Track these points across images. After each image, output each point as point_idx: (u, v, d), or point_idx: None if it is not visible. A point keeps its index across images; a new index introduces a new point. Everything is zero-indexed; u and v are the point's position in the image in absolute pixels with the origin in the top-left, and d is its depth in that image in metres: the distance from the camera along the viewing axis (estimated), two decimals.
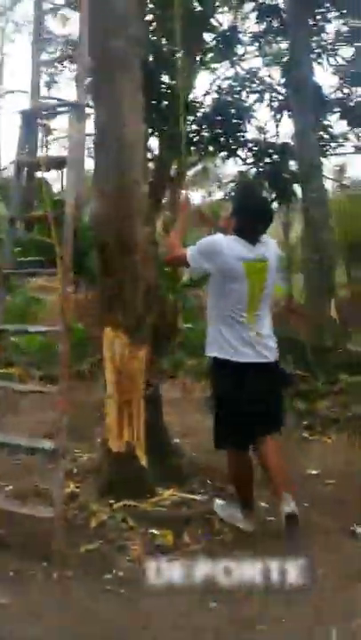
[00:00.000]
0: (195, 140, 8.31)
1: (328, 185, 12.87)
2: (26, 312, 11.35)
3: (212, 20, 8.18)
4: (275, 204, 9.19)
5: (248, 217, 2.75)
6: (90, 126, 3.33)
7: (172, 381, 6.53)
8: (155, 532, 2.81)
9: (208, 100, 8.73)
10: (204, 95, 9.12)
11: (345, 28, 7.95)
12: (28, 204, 2.91)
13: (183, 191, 3.41)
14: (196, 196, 16.55)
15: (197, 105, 8.45)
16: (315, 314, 6.88)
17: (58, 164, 2.82)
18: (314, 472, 3.76)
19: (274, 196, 8.69)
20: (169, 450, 3.59)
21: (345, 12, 7.63)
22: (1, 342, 4.76)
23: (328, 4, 7.63)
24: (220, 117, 8.03)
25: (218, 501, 3.09)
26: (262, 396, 2.76)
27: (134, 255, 3.18)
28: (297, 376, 5.42)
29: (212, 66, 9.27)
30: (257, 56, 8.83)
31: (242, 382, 2.73)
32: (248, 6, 8.35)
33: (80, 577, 2.51)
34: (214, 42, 8.30)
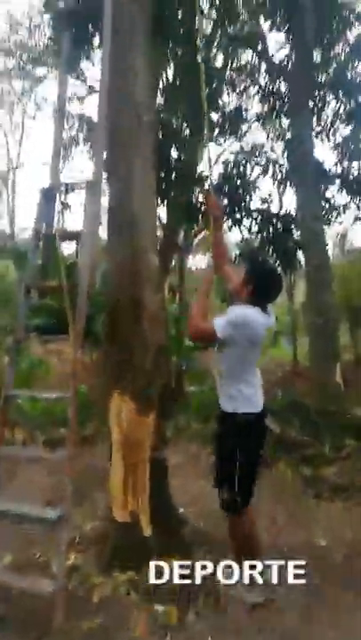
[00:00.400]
0: (202, 209, 8.66)
1: (330, 251, 13.30)
2: (30, 375, 11.42)
3: (218, 101, 8.72)
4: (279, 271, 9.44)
5: (265, 288, 2.91)
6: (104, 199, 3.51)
7: (174, 445, 6.48)
8: (159, 608, 2.72)
9: (215, 172, 9.21)
10: (211, 167, 9.62)
11: (343, 109, 8.45)
12: (44, 274, 3.05)
13: (207, 263, 3.43)
14: (202, 262, 16.87)
15: (204, 177, 8.88)
16: (320, 378, 6.88)
17: (73, 236, 2.99)
18: (323, 543, 3.65)
19: (278, 262, 8.92)
20: (173, 519, 3.53)
21: (342, 95, 8.17)
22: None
23: (326, 89, 8.16)
24: (226, 188, 8.39)
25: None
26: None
27: (144, 322, 3.28)
28: (304, 441, 5.39)
29: (219, 140, 9.80)
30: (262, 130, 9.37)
31: (259, 436, 2.99)
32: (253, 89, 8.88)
33: None
34: (220, 120, 8.81)
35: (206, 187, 3.39)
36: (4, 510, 2.71)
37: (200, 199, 7.09)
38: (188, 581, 2.93)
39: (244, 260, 6.88)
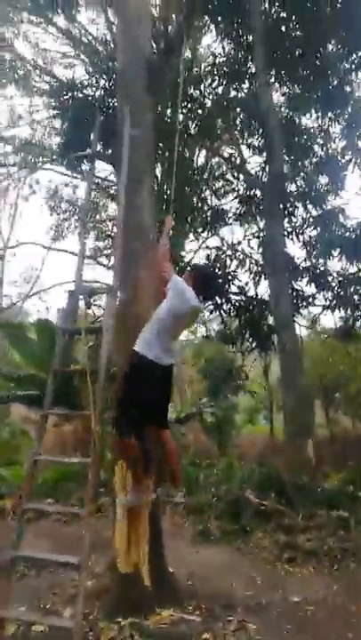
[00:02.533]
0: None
1: (303, 332, 14.34)
2: (10, 444, 11.68)
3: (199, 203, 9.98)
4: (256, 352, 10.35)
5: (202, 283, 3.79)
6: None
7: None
8: None
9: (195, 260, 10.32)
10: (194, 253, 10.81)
11: (312, 212, 9.77)
12: (69, 361, 3.74)
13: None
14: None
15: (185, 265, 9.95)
16: (293, 453, 7.50)
17: (95, 330, 3.74)
18: (296, 599, 4.17)
19: (254, 345, 9.84)
20: (168, 575, 4.04)
21: (309, 202, 9.51)
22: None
23: (295, 197, 9.49)
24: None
25: None
26: None
27: None
28: (279, 510, 5.94)
29: (201, 235, 11.01)
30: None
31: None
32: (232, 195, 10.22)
33: None
34: (201, 218, 10.04)
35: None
36: (34, 557, 3.23)
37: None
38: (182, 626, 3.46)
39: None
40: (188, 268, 4.19)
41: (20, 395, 11.23)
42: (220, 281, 9.48)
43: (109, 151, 7.13)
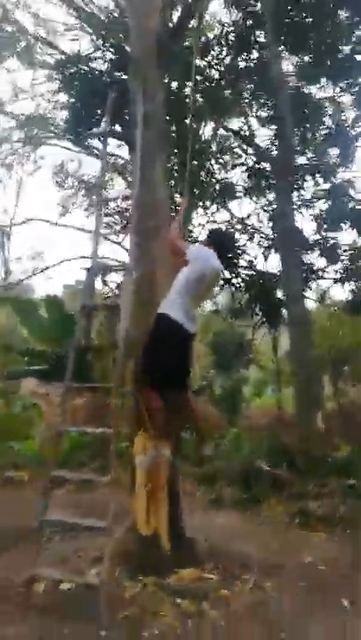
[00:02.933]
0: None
1: (312, 305, 14.40)
2: (22, 418, 11.95)
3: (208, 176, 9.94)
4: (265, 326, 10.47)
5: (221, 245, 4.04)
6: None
7: None
8: (180, 601, 3.43)
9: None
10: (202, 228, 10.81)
11: (322, 185, 9.74)
12: (87, 336, 3.88)
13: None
14: None
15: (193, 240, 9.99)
16: (304, 424, 7.67)
17: (113, 307, 3.86)
18: (309, 559, 4.38)
19: (264, 318, 9.94)
20: (185, 538, 4.25)
21: (318, 175, 9.47)
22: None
23: (304, 171, 9.44)
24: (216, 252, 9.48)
25: None
26: None
27: None
28: (291, 479, 6.15)
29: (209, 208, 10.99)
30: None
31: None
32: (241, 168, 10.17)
33: (121, 637, 3.11)
34: (212, 191, 10.01)
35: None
36: (62, 521, 3.44)
37: None
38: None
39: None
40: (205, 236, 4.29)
41: (32, 369, 11.51)
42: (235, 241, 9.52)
43: (117, 127, 7.12)
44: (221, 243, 4.06)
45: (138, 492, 4.01)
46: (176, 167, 8.85)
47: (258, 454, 7.28)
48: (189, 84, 9.12)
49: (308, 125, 9.50)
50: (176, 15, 5.14)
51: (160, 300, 4.19)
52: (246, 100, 9.75)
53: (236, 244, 8.34)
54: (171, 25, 4.79)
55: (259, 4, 8.76)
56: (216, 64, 9.69)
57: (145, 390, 3.74)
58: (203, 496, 6.84)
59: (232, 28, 9.53)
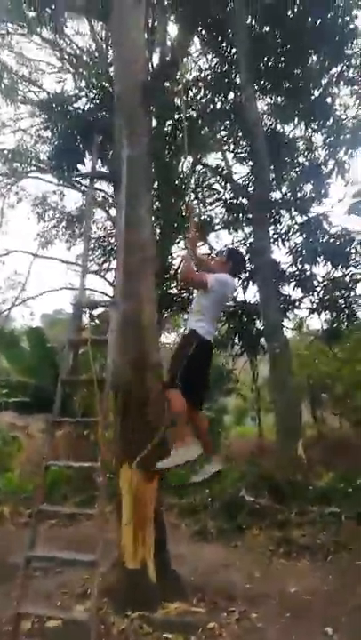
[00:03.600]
0: (176, 299, 9.95)
1: (290, 334, 14.68)
2: (2, 452, 11.77)
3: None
4: (244, 355, 10.66)
5: (238, 264, 4.61)
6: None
7: None
8: (168, 635, 3.45)
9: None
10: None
11: (297, 220, 10.11)
12: (75, 371, 3.98)
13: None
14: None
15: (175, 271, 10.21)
16: (285, 453, 7.78)
17: (100, 342, 3.97)
18: (293, 589, 4.44)
19: (243, 348, 10.14)
20: (172, 571, 4.27)
21: (293, 210, 9.86)
22: None
23: (280, 205, 9.82)
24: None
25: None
26: None
27: (149, 407, 4.22)
28: (273, 508, 6.21)
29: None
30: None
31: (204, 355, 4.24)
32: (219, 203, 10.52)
33: None
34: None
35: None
36: (50, 556, 3.45)
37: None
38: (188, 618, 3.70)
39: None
40: (221, 253, 4.71)
41: (12, 402, 11.40)
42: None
43: (103, 167, 7.38)
44: (237, 262, 4.59)
45: (125, 525, 4.05)
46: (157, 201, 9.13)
47: (242, 483, 7.33)
48: (169, 122, 9.54)
49: (283, 162, 9.91)
50: (157, 58, 5.46)
51: (145, 334, 4.33)
52: (223, 139, 10.15)
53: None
54: (154, 68, 5.01)
55: (234, 50, 9.22)
56: (194, 104, 10.12)
57: (173, 394, 3.98)
58: (187, 527, 6.85)
59: (209, 72, 9.99)
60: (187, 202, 4.69)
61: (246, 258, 10.11)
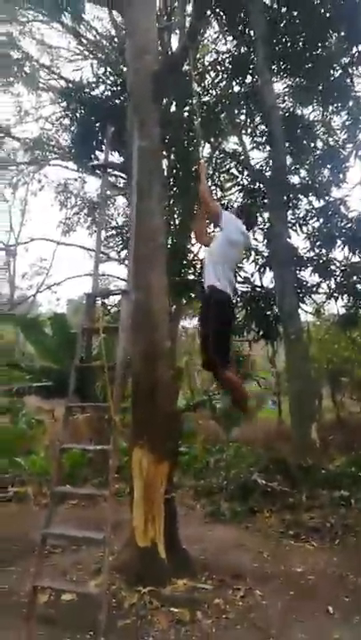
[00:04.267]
0: (194, 287, 10.01)
1: (310, 318, 14.64)
2: (27, 434, 12.13)
3: None
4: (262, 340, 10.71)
5: (250, 217, 4.64)
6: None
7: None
8: (175, 610, 3.63)
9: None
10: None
11: (315, 204, 10.03)
12: (88, 356, 4.15)
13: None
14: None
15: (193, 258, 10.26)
16: (298, 437, 7.86)
17: (112, 330, 4.11)
18: (299, 569, 4.58)
19: (261, 332, 10.17)
20: (181, 550, 4.46)
21: (310, 194, 9.78)
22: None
23: (298, 190, 9.73)
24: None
25: None
26: None
27: (159, 392, 4.37)
28: (284, 491, 6.35)
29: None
30: None
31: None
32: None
33: None
34: None
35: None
36: (63, 534, 3.66)
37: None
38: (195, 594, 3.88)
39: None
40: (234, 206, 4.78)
41: (37, 386, 11.75)
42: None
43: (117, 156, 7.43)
44: (248, 216, 4.55)
45: (136, 505, 4.24)
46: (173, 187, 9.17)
47: (255, 467, 7.48)
48: (187, 108, 9.52)
49: (301, 146, 9.80)
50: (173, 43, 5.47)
51: (155, 322, 4.46)
52: (241, 123, 10.08)
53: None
54: (169, 53, 5.04)
55: (252, 32, 9.10)
56: (211, 89, 10.05)
57: (226, 374, 4.14)
58: (201, 509, 7.05)
59: (227, 55, 9.89)
60: (200, 161, 4.76)
61: (264, 242, 10.19)
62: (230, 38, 10.23)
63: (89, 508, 7.35)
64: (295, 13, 9.02)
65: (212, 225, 4.73)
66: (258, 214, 10.36)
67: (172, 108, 9.78)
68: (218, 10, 9.33)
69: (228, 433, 11.69)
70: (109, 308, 9.46)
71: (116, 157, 7.48)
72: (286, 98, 10.44)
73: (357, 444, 9.96)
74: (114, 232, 10.71)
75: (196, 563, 4.53)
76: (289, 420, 11.70)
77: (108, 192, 14.67)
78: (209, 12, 9.51)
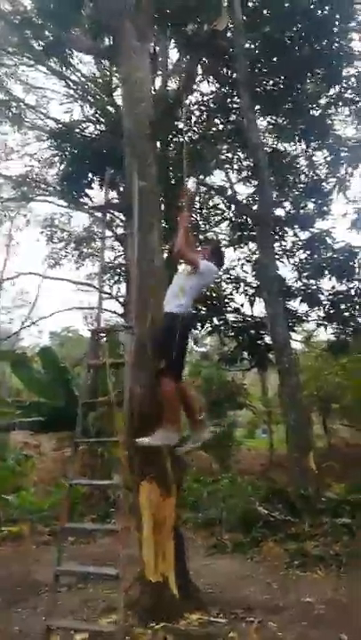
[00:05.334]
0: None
1: (300, 346, 14.86)
2: (16, 471, 11.94)
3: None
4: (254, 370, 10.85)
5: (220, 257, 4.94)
6: None
7: None
8: None
9: None
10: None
11: (302, 236, 10.36)
12: (93, 392, 4.21)
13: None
14: None
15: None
16: (296, 465, 7.90)
17: (117, 365, 4.21)
18: (308, 599, 4.58)
19: (252, 362, 10.32)
20: (191, 584, 4.44)
21: (296, 227, 10.12)
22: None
23: (285, 225, 10.07)
24: (205, 301, 9.96)
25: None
26: None
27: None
28: (287, 521, 6.36)
29: None
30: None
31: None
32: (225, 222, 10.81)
33: None
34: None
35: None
36: (79, 571, 3.65)
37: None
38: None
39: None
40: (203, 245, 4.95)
41: (26, 422, 11.64)
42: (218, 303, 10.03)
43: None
44: (220, 258, 4.94)
45: (146, 540, 4.24)
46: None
47: (255, 497, 7.48)
48: (173, 146, 9.85)
49: (285, 180, 10.19)
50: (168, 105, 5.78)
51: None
52: (227, 159, 10.44)
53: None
54: (163, 110, 5.31)
55: (235, 75, 9.54)
56: (197, 126, 10.45)
57: (166, 382, 4.18)
58: (203, 541, 7.01)
59: (210, 96, 10.33)
60: (184, 187, 4.95)
61: (253, 273, 10.45)
62: (213, 80, 10.70)
63: (88, 545, 7.26)
64: (275, 57, 9.51)
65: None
66: (246, 246, 10.72)
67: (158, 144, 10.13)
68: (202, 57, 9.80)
69: (225, 462, 11.66)
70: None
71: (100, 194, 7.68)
72: (269, 134, 10.90)
73: (351, 470, 10.02)
74: (108, 267, 10.88)
75: (206, 596, 4.52)
76: (281, 447, 11.76)
77: (98, 229, 14.98)
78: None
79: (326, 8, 8.75)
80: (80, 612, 4.49)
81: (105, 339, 4.43)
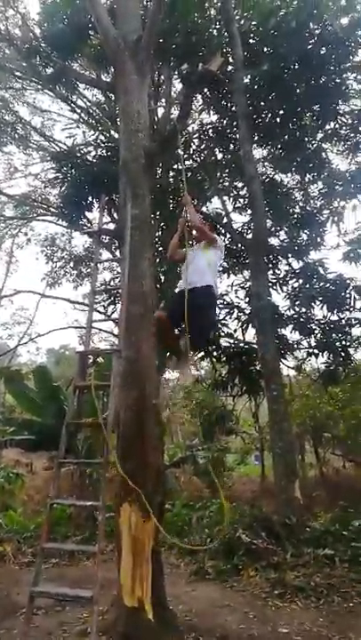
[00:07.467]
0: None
1: (292, 373, 14.89)
2: (5, 490, 11.85)
3: None
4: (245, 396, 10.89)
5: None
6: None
7: None
8: None
9: None
10: None
11: (295, 265, 10.53)
12: (78, 414, 4.27)
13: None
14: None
15: None
16: (282, 494, 7.88)
17: (103, 387, 4.27)
18: (285, 630, 4.57)
19: (244, 388, 10.37)
20: (168, 610, 4.44)
21: (290, 256, 10.30)
22: None
23: (278, 253, 10.26)
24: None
25: None
26: None
27: (147, 448, 4.48)
28: (269, 549, 6.34)
29: None
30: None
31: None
32: None
33: None
34: None
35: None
36: (54, 592, 3.66)
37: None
38: None
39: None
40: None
41: (18, 439, 11.61)
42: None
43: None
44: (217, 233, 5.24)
45: (124, 562, 4.25)
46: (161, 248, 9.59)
47: (240, 525, 7.44)
48: (172, 173, 10.11)
49: (280, 211, 10.41)
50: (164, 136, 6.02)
51: (144, 380, 4.64)
52: (223, 188, 10.70)
53: None
54: (159, 141, 5.50)
55: (234, 107, 9.86)
56: (196, 156, 10.74)
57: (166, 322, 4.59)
58: (185, 567, 6.98)
59: (210, 127, 10.64)
60: (184, 194, 5.11)
61: (246, 300, 10.58)
62: (213, 112, 11.03)
63: (71, 567, 7.20)
64: (273, 92, 9.83)
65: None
66: (240, 273, 10.88)
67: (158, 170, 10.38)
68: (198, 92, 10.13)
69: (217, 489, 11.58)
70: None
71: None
72: (266, 164, 11.19)
73: (341, 500, 9.98)
74: (101, 289, 11.00)
75: (183, 623, 4.50)
76: (272, 475, 11.70)
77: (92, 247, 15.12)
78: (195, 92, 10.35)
79: (323, 48, 9.11)
80: (55, 635, 4.48)
81: (92, 360, 4.50)
